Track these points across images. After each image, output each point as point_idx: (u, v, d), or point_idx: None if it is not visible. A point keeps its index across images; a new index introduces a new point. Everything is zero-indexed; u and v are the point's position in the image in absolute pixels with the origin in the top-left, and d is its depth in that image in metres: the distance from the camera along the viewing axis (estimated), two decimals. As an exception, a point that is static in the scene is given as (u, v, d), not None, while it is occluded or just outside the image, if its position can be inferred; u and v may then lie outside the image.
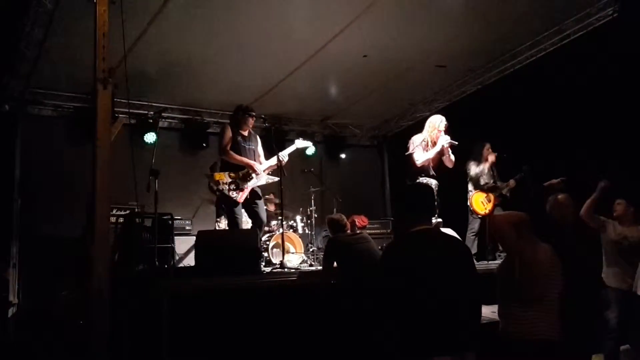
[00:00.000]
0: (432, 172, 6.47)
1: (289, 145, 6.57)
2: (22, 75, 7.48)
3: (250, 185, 6.12)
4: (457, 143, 6.40)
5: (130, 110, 6.29)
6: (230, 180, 6.06)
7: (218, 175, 6.11)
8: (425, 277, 2.89)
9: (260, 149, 6.40)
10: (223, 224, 7.71)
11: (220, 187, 6.08)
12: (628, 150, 6.23)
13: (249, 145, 6.29)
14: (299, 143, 6.76)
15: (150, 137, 8.48)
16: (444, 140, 6.35)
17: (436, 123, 6.45)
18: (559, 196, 4.71)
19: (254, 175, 6.11)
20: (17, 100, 7.94)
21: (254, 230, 5.97)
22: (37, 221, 7.68)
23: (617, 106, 6.40)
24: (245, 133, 6.30)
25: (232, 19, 6.42)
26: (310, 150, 9.35)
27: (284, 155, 6.31)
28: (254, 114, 6.31)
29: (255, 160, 6.25)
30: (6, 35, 6.46)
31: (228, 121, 9.18)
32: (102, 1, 4.53)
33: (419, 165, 6.37)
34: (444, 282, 2.89)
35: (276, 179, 6.32)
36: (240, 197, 6.07)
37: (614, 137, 6.42)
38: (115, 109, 4.75)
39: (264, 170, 6.21)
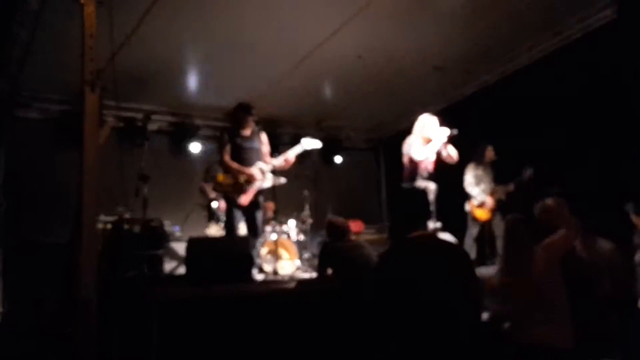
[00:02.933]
0: (429, 175, 6.38)
1: (282, 149, 6.44)
2: (8, 77, 7.35)
3: (255, 187, 6.00)
4: (456, 132, 6.24)
5: (119, 114, 6.18)
6: (234, 182, 5.94)
7: (221, 177, 6.00)
8: (422, 284, 2.84)
9: (265, 147, 6.25)
10: (214, 229, 7.62)
11: (224, 189, 5.97)
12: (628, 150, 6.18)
13: (252, 144, 6.14)
14: (306, 143, 6.41)
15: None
16: (442, 133, 6.24)
17: (425, 119, 6.38)
18: (548, 201, 4.68)
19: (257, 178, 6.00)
20: (2, 103, 7.79)
21: (246, 237, 5.87)
22: (23, 227, 7.53)
23: (616, 107, 6.34)
24: (247, 132, 6.15)
25: (223, 20, 6.31)
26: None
27: (291, 153, 6.19)
28: (253, 112, 6.14)
29: (261, 159, 6.12)
30: (-10, 37, 6.36)
31: (221, 124, 9.32)
32: (89, 2, 4.45)
33: (418, 162, 6.26)
34: (441, 289, 2.84)
35: (283, 180, 6.18)
36: (244, 199, 5.95)
37: (612, 138, 6.35)
38: (104, 112, 4.70)
39: (270, 171, 6.07)
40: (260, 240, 6.35)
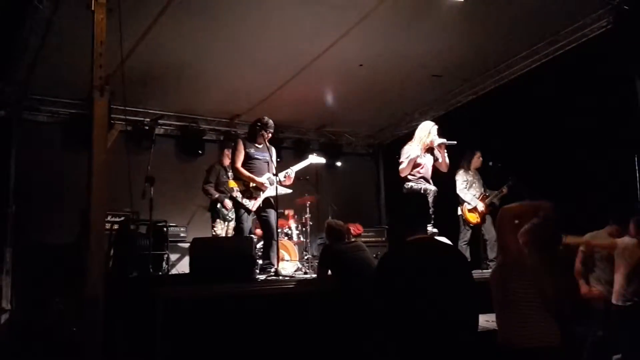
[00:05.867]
0: (429, 179, 6.46)
1: (284, 154, 6.58)
2: (18, 81, 7.47)
3: (263, 195, 6.22)
4: (455, 143, 6.37)
5: (127, 117, 6.28)
6: (244, 188, 6.15)
7: (232, 183, 6.21)
8: (422, 286, 2.88)
9: (274, 159, 6.46)
10: (219, 228, 7.72)
11: (234, 194, 6.17)
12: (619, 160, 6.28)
13: (263, 156, 6.36)
14: (313, 158, 6.85)
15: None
16: (439, 141, 6.34)
17: (429, 127, 6.40)
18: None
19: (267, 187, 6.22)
20: (12, 106, 7.91)
21: (249, 238, 5.96)
22: (32, 227, 7.62)
23: (610, 117, 6.43)
24: (260, 145, 6.37)
25: (229, 27, 6.43)
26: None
27: (292, 170, 6.38)
28: (271, 130, 6.37)
29: (269, 171, 6.31)
30: (2, 42, 6.44)
31: (225, 128, 9.48)
32: (99, 9, 4.55)
33: (402, 177, 6.32)
34: (440, 292, 2.88)
35: (289, 191, 6.41)
36: (254, 205, 6.14)
37: (605, 148, 6.45)
38: (112, 116, 4.76)
39: (279, 182, 6.27)
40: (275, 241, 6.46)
